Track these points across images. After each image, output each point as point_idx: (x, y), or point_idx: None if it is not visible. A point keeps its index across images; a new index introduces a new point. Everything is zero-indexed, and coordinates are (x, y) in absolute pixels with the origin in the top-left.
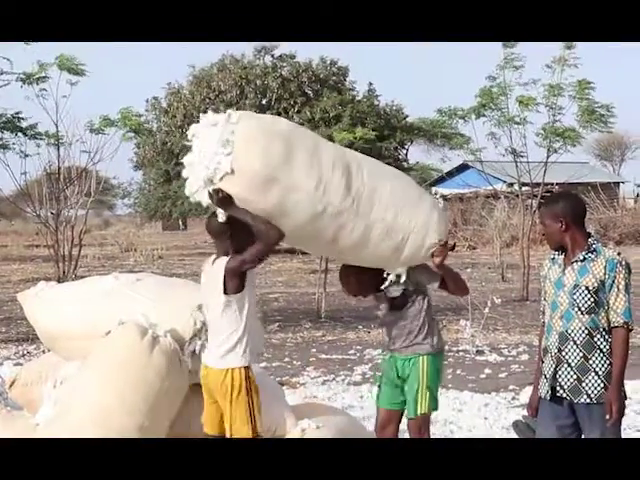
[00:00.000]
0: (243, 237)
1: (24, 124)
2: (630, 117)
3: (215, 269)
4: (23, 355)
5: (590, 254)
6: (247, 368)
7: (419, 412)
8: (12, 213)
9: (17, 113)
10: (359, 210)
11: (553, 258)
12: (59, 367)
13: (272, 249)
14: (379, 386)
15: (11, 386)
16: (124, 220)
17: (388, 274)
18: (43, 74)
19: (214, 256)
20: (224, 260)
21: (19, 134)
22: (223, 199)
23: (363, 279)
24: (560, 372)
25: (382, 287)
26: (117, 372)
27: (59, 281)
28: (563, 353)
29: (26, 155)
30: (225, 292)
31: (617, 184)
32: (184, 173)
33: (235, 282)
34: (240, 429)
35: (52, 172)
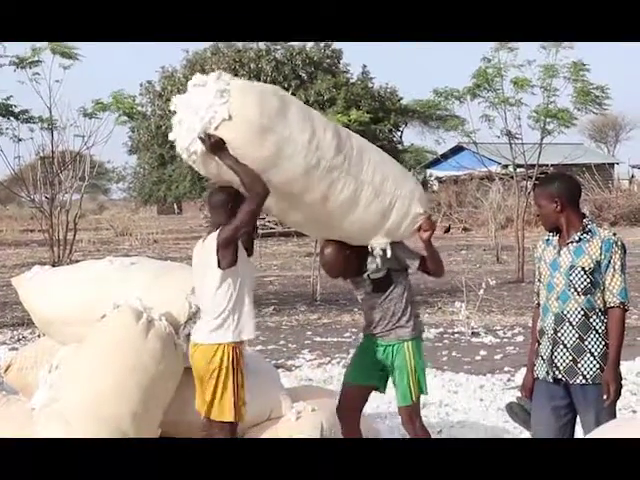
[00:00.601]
0: None
1: (16, 109)
2: (625, 98)
3: (207, 246)
4: (18, 340)
5: (585, 235)
6: (237, 347)
7: (412, 399)
8: (6, 198)
9: (8, 98)
10: (350, 169)
11: (547, 239)
12: (54, 351)
13: (259, 208)
14: (350, 364)
15: (6, 370)
16: (119, 204)
17: (373, 250)
18: (36, 58)
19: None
20: (214, 235)
21: (11, 118)
22: (215, 143)
23: (349, 257)
24: (556, 353)
25: (368, 263)
26: (112, 356)
27: (54, 265)
28: (559, 334)
29: (19, 139)
30: (219, 266)
31: (612, 165)
32: (172, 135)
33: (229, 254)
34: (223, 413)
35: (46, 156)
